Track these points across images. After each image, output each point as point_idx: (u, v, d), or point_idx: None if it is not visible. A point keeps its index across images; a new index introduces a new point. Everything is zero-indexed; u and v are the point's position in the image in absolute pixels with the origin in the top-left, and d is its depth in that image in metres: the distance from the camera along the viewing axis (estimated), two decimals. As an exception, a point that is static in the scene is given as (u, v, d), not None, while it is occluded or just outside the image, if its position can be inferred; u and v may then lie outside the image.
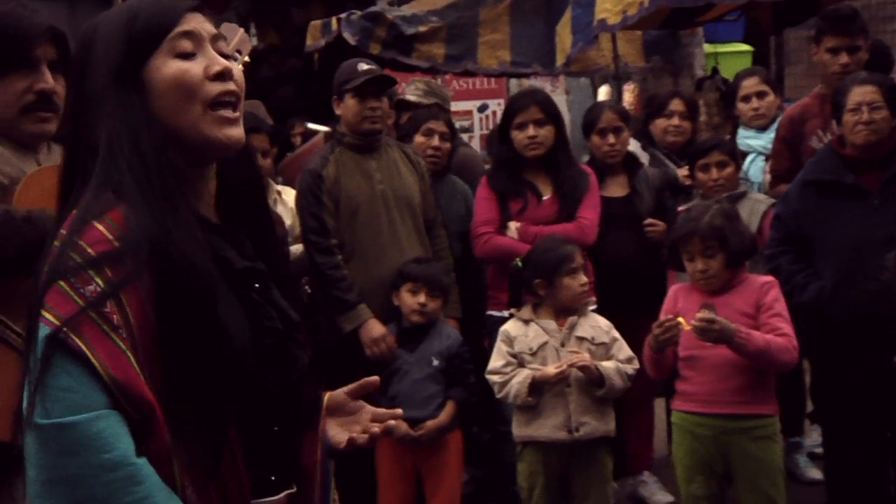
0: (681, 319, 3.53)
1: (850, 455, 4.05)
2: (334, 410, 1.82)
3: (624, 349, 3.82)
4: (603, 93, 7.97)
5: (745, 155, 4.93)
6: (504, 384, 3.77)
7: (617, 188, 4.75)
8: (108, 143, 1.55)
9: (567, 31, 7.50)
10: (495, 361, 3.84)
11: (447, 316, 4.37)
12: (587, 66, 7.70)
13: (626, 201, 4.73)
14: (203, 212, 1.64)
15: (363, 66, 4.39)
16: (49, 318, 1.40)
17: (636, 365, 3.80)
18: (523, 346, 3.80)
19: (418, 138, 4.86)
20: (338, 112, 4.43)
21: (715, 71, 7.63)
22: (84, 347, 1.39)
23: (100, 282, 1.43)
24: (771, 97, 5.04)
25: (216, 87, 1.59)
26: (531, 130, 4.42)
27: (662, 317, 3.68)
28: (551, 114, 4.47)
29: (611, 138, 4.74)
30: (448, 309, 4.37)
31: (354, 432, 1.79)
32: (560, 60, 7.73)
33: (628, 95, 7.23)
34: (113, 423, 1.39)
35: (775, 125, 4.99)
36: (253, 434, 1.59)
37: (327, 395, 1.84)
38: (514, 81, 10.16)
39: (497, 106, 10.46)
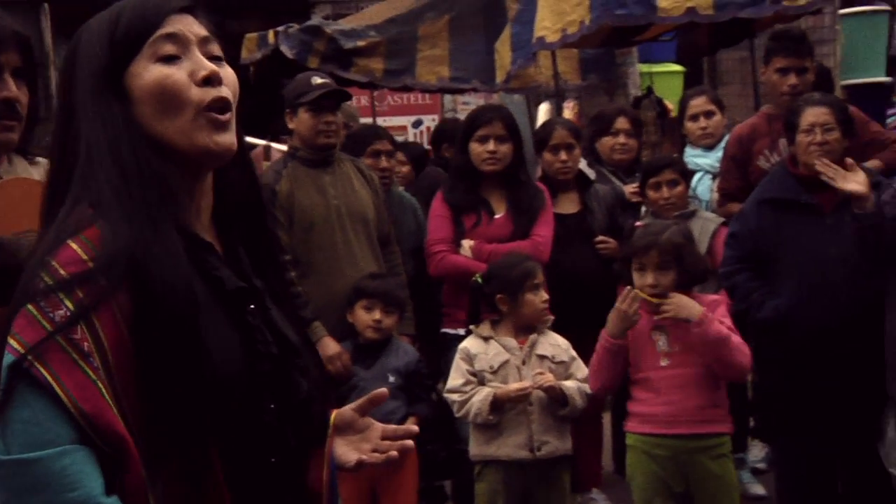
0: (637, 290, 3.52)
1: (801, 471, 4.08)
2: (342, 429, 1.73)
3: (582, 368, 3.79)
4: (543, 110, 7.98)
5: (692, 173, 4.95)
6: (464, 403, 3.71)
7: (569, 205, 4.73)
8: (87, 154, 1.44)
9: (506, 48, 7.51)
10: (454, 380, 3.77)
11: (401, 333, 4.30)
12: (526, 83, 7.70)
13: (578, 218, 4.71)
14: (196, 227, 1.53)
15: (317, 80, 4.31)
16: (14, 346, 1.30)
17: None
18: (484, 364, 3.74)
19: (367, 160, 4.80)
20: (291, 126, 4.33)
21: (649, 90, 7.70)
22: (49, 377, 1.28)
23: (70, 305, 1.32)
24: (718, 116, 5.09)
25: (207, 94, 1.48)
26: (492, 145, 4.37)
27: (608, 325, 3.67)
28: (513, 131, 4.45)
29: (563, 155, 4.72)
30: (402, 326, 4.30)
31: (364, 451, 1.70)
32: (499, 77, 7.74)
33: (568, 113, 7.25)
34: (79, 459, 1.28)
35: (723, 144, 5.03)
36: (244, 467, 1.48)
37: (334, 413, 1.74)
38: (448, 98, 10.15)
39: (431, 121, 10.44)
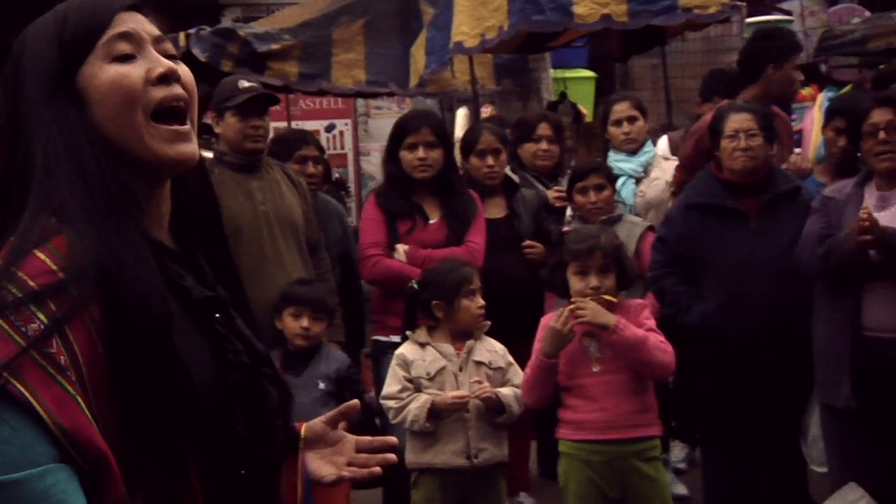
0: (573, 306, 3.50)
1: (727, 472, 4.14)
2: (313, 442, 1.67)
3: (519, 374, 3.77)
4: (461, 115, 7.97)
5: (616, 178, 4.97)
6: (400, 409, 3.65)
7: (495, 210, 4.71)
8: (44, 161, 1.35)
9: (421, 53, 7.47)
10: (391, 386, 3.71)
11: (330, 340, 4.22)
12: (443, 87, 7.68)
13: (505, 223, 4.70)
14: (156, 235, 1.46)
15: (244, 84, 4.21)
16: None
17: None
18: (420, 371, 3.69)
19: (294, 166, 4.71)
20: (217, 130, 4.22)
21: (563, 96, 7.76)
22: (27, 393, 1.20)
23: (43, 318, 1.23)
24: (641, 122, 5.13)
25: (160, 92, 1.40)
26: (421, 152, 4.33)
27: (541, 345, 3.64)
28: (442, 137, 4.41)
29: (490, 160, 4.70)
30: (331, 332, 4.22)
31: (339, 465, 1.65)
32: (413, 81, 7.70)
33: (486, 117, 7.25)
34: (62, 478, 1.20)
35: (645, 149, 5.07)
36: (219, 480, 1.42)
37: (304, 427, 1.68)
38: (360, 102, 10.06)
39: (344, 126, 10.34)
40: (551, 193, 5.08)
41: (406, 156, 4.34)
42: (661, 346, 3.56)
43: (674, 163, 5.01)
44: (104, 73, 1.39)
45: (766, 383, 3.98)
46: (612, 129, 5.02)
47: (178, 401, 1.32)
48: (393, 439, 1.73)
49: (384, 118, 9.80)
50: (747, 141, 4.01)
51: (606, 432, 3.57)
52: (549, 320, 3.66)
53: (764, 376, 3.97)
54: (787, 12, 9.60)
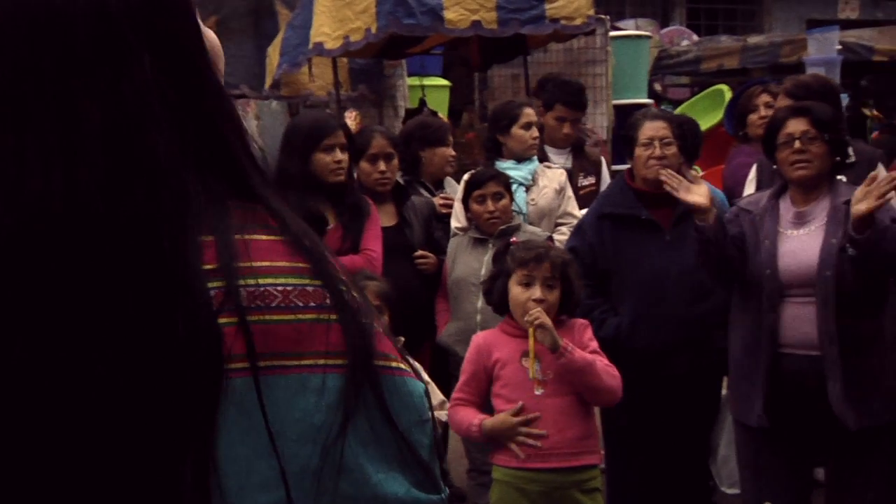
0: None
1: (633, 487, 3.91)
2: None
3: (437, 394, 3.39)
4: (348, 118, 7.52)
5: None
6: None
7: (386, 218, 4.30)
8: None
9: (277, 53, 7.01)
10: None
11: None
12: (297, 90, 7.23)
13: (395, 231, 4.30)
14: None
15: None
16: (401, 367, 1.00)
17: (447, 408, 3.38)
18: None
19: None
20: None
21: (422, 103, 7.44)
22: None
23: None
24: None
25: None
26: (338, 154, 3.91)
27: (470, 373, 3.27)
28: (350, 140, 4.01)
29: (381, 165, 4.29)
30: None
31: None
32: (268, 83, 7.22)
33: (351, 123, 6.83)
34: None
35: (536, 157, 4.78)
36: None
37: None
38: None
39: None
40: (437, 200, 4.73)
41: (323, 158, 3.90)
42: (608, 371, 3.20)
43: (558, 171, 4.77)
44: None
45: (678, 399, 3.76)
46: (521, 133, 4.69)
47: None
48: None
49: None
50: (662, 149, 3.78)
51: (546, 460, 3.17)
52: (488, 340, 3.29)
53: (676, 392, 3.75)
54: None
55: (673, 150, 3.80)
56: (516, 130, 4.65)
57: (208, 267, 0.90)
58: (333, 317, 0.93)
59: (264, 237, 0.94)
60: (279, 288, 0.92)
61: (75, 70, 0.89)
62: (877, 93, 10.42)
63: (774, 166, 3.69)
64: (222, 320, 0.88)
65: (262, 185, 0.99)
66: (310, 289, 0.93)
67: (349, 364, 0.93)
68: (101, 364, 0.85)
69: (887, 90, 10.45)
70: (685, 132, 3.91)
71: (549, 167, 4.82)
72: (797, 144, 3.55)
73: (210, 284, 0.89)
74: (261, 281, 0.91)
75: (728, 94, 7.98)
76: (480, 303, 3.99)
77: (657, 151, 3.77)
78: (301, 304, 0.92)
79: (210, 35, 1.09)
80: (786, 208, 3.62)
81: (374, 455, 0.94)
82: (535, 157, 4.79)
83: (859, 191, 3.29)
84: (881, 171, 4.26)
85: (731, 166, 5.23)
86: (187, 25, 0.99)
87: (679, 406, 3.78)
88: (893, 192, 3.21)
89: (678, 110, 8.08)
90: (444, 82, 8.12)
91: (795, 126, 3.59)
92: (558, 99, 5.13)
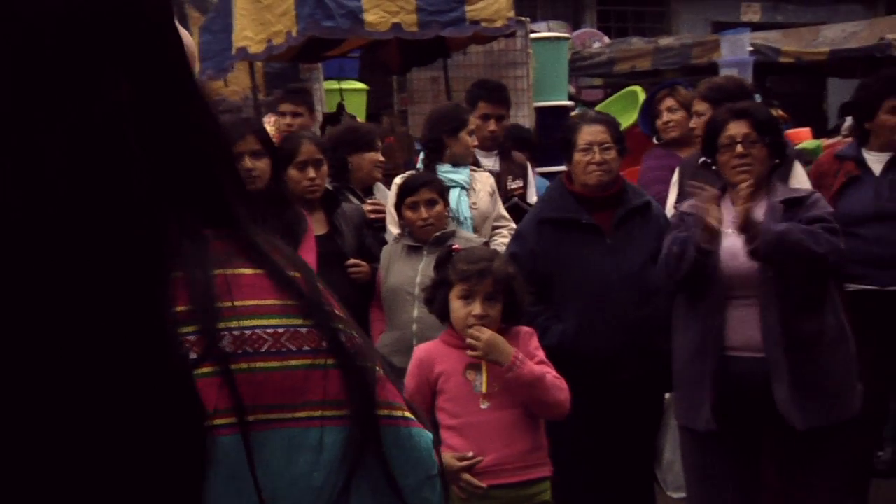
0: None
1: (578, 489, 3.81)
2: None
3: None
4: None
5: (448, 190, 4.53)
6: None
7: (316, 226, 4.12)
8: None
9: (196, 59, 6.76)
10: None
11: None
12: (209, 95, 6.95)
13: (327, 240, 4.12)
14: None
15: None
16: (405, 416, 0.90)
17: None
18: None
19: None
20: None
21: (341, 107, 7.26)
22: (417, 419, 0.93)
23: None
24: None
25: None
26: (248, 162, 3.69)
27: (413, 388, 3.10)
28: (268, 145, 3.79)
29: (311, 172, 4.11)
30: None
31: None
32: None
33: (270, 128, 6.60)
34: None
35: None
36: None
37: None
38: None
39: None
40: (366, 207, 4.58)
41: None
42: (557, 384, 3.06)
43: (485, 174, 4.68)
44: None
45: (623, 405, 3.69)
46: (467, 138, 4.57)
47: None
48: None
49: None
50: (602, 154, 3.69)
51: (498, 476, 3.03)
52: (431, 354, 3.14)
53: (621, 398, 3.67)
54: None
55: (612, 154, 3.72)
56: (464, 135, 4.53)
57: (181, 309, 0.76)
58: (331, 361, 0.80)
59: (249, 271, 0.80)
60: (269, 330, 0.79)
61: (39, 89, 0.74)
62: (781, 93, 10.62)
63: (714, 167, 3.65)
64: (204, 370, 0.75)
65: (247, 214, 0.86)
66: (303, 330, 0.80)
67: (350, 415, 0.81)
68: (65, 435, 0.71)
69: (791, 91, 10.68)
70: (623, 135, 3.84)
71: (476, 171, 4.72)
72: (739, 148, 3.51)
73: (185, 329, 0.75)
74: (246, 323, 0.78)
75: (642, 96, 7.99)
76: (416, 312, 3.86)
77: (597, 157, 3.69)
78: (294, 348, 0.79)
79: (186, 36, 0.95)
80: (727, 208, 3.58)
81: None
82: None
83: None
84: (797, 171, 4.28)
85: (641, 169, 5.25)
86: (172, 36, 0.84)
87: (625, 412, 3.70)
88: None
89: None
90: (362, 86, 7.96)
91: (736, 129, 3.55)
92: (480, 97, 5.06)
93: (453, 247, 3.24)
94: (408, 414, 0.88)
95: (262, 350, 0.77)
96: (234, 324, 0.77)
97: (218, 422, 0.75)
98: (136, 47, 0.79)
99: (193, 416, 0.74)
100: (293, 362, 0.79)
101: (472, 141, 4.59)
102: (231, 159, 0.87)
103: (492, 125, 5.06)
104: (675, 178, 4.52)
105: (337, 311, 0.84)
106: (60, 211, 0.73)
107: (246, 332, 0.77)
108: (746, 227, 3.26)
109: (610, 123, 3.79)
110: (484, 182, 4.63)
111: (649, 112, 5.70)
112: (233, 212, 0.83)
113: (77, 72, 0.76)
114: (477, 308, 3.03)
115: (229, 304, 0.77)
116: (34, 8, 0.75)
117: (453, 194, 4.35)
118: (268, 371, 0.77)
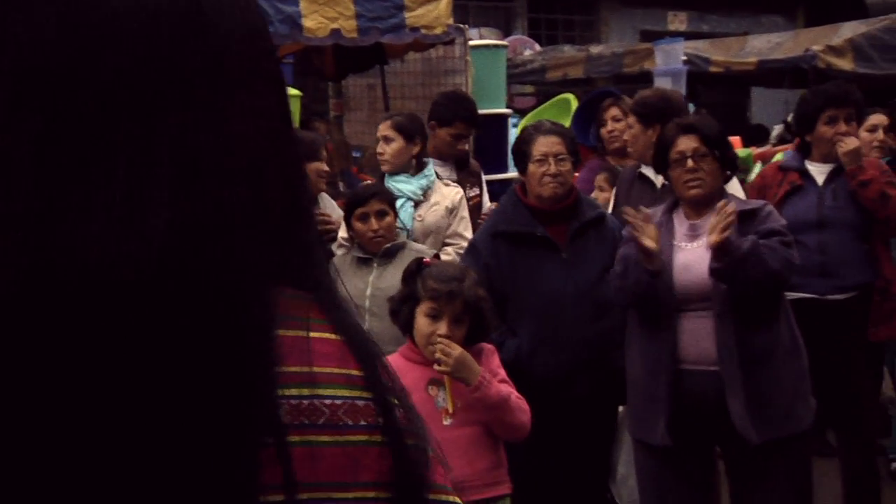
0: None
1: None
2: None
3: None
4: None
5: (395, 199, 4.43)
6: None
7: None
8: None
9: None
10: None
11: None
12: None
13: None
14: None
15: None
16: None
17: None
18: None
19: None
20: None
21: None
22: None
23: None
24: (396, 143, 4.61)
25: None
26: None
27: None
28: None
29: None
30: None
31: None
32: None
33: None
34: None
35: (426, 172, 4.52)
36: None
37: None
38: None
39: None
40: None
41: None
42: (520, 406, 3.01)
43: (454, 189, 4.58)
44: None
45: (578, 420, 3.65)
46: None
47: None
48: None
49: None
50: (557, 166, 3.65)
51: (460, 494, 2.96)
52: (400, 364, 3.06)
53: (576, 413, 3.63)
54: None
55: (567, 166, 3.68)
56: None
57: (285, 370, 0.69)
58: (386, 439, 0.74)
59: (323, 335, 0.74)
60: (327, 402, 0.72)
61: (160, 107, 0.68)
62: (708, 103, 10.77)
63: (666, 182, 3.64)
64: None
65: (324, 269, 0.79)
66: (360, 403, 0.74)
67: (401, 498, 0.75)
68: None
69: (717, 100, 10.82)
70: (577, 146, 3.80)
71: (447, 185, 4.63)
72: (689, 163, 3.50)
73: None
74: (305, 392, 0.71)
75: (574, 103, 8.01)
76: (367, 324, 3.77)
77: (552, 168, 3.64)
78: (351, 422, 0.73)
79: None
80: (679, 221, 3.57)
81: None
82: (433, 173, 4.59)
83: (711, 221, 3.29)
84: (732, 182, 4.30)
85: (576, 179, 5.22)
86: (278, 64, 0.78)
87: (579, 427, 3.67)
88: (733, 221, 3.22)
89: (525, 119, 8.07)
90: (296, 92, 7.81)
91: (686, 144, 3.53)
92: (459, 116, 4.93)
93: (424, 260, 3.15)
94: (454, 498, 0.84)
95: (319, 423, 0.71)
96: (305, 391, 0.69)
97: (268, 499, 0.68)
98: (260, 67, 0.74)
99: (247, 491, 0.67)
100: (350, 438, 0.72)
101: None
102: (311, 205, 0.79)
103: (462, 144, 5.08)
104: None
105: (393, 384, 0.77)
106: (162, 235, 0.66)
107: (304, 401, 0.71)
108: (725, 250, 3.23)
109: (565, 135, 3.75)
110: (446, 196, 4.51)
111: (585, 119, 5.69)
112: (314, 264, 0.76)
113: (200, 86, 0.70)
114: (443, 328, 2.96)
115: (306, 369, 0.69)
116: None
117: (399, 203, 4.27)
118: (325, 446, 0.71)
